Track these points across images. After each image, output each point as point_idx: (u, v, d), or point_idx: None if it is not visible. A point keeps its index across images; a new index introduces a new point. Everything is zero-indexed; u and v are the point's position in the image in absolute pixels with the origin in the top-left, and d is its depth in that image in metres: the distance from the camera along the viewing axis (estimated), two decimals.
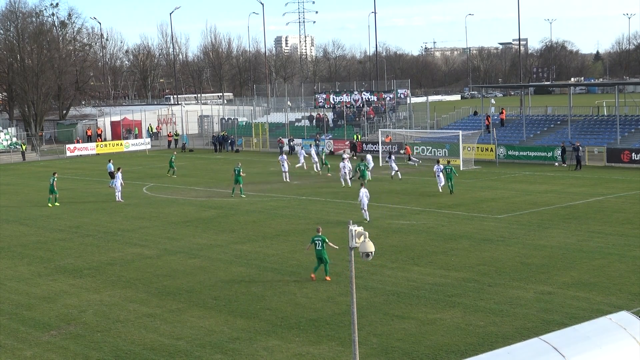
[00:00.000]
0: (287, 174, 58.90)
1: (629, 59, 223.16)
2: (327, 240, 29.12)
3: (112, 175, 57.46)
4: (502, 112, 79.91)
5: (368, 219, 40.84)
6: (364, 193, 40.69)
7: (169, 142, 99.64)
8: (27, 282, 31.33)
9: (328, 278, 29.09)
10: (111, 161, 60.71)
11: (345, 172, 54.98)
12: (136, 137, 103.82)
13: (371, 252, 18.32)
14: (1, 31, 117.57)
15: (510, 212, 42.51)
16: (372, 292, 27.52)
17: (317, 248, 29.06)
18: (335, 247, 29.84)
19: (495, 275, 29.37)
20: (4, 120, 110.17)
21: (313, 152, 66.13)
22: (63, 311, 27.12)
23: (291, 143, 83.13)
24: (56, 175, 53.15)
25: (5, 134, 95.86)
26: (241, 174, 51.57)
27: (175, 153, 70.73)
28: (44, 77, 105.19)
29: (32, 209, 51.03)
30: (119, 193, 52.27)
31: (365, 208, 40.91)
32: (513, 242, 35.10)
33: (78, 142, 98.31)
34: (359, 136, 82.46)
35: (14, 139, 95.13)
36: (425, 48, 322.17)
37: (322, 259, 29.06)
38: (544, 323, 22.83)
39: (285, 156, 61.46)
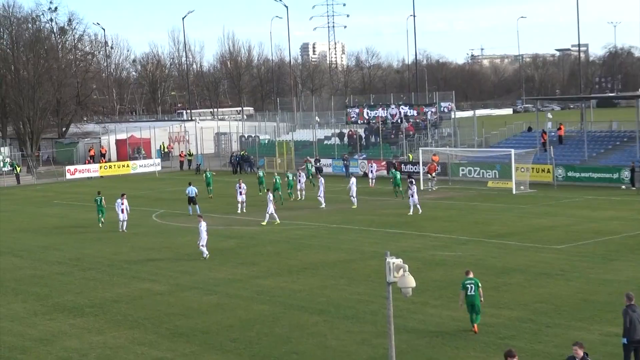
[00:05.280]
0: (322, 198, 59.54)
1: None
2: (480, 285, 27.65)
3: (192, 200, 57.98)
4: (560, 128, 79.57)
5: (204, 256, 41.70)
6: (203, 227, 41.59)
7: (181, 162, 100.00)
8: (21, 322, 31.43)
9: (476, 329, 27.39)
10: (191, 184, 59.31)
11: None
12: (145, 157, 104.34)
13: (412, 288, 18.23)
14: None
15: (570, 242, 42.24)
16: (413, 333, 27.34)
17: (470, 293, 27.34)
18: (481, 299, 27.83)
19: (554, 315, 29.14)
20: None
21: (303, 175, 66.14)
22: (62, 355, 27.16)
23: (318, 164, 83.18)
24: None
25: None
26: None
27: (209, 170, 73.28)
28: (41, 90, 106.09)
29: (28, 239, 51.30)
30: (124, 222, 52.16)
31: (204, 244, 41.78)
32: (574, 276, 34.84)
33: (89, 162, 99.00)
34: (412, 156, 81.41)
35: (8, 160, 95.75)
36: (472, 56, 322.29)
37: (475, 306, 27.36)
38: None
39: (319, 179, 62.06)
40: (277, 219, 52.04)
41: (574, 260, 37.91)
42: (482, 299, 27.73)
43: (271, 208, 51.95)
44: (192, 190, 58.06)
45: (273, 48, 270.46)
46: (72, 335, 29.34)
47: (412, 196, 54.18)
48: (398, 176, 63.92)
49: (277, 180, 62.15)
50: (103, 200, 55.11)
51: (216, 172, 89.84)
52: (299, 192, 63.68)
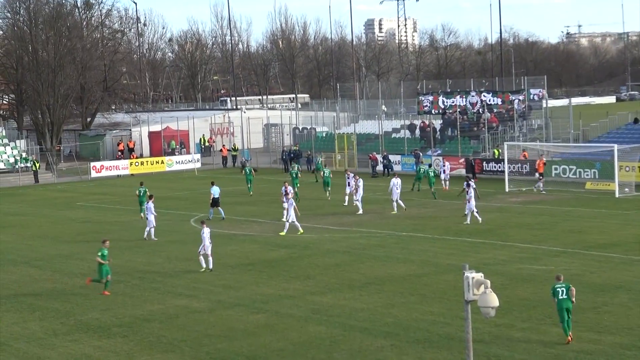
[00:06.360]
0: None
1: None
2: (571, 287, 28.78)
3: (216, 203, 58.58)
4: None
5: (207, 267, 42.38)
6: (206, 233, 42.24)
7: (224, 158, 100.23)
8: (39, 343, 31.74)
9: (570, 338, 28.56)
10: (214, 183, 60.07)
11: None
12: (182, 152, 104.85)
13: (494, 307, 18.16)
14: (8, 14, 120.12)
15: None
16: None
17: (561, 297, 28.41)
18: (573, 299, 29.10)
19: None
20: (12, 130, 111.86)
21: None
22: None
23: (385, 161, 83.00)
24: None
25: (12, 149, 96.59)
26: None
27: (248, 164, 76.29)
28: (63, 74, 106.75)
29: (47, 247, 51.76)
30: (152, 229, 52.16)
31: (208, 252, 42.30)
32: None
33: (119, 157, 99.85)
34: (498, 152, 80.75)
35: (24, 155, 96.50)
36: (568, 34, 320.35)
37: (568, 311, 28.51)
38: None
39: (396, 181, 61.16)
40: (300, 228, 52.10)
41: None
42: (573, 299, 28.58)
43: (292, 215, 51.78)
44: (216, 191, 58.43)
45: (332, 25, 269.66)
46: (97, 359, 29.57)
47: (469, 201, 53.58)
48: (431, 173, 63.38)
49: (326, 174, 66.87)
50: (147, 191, 58.14)
51: (265, 170, 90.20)
52: (346, 197, 63.00)
